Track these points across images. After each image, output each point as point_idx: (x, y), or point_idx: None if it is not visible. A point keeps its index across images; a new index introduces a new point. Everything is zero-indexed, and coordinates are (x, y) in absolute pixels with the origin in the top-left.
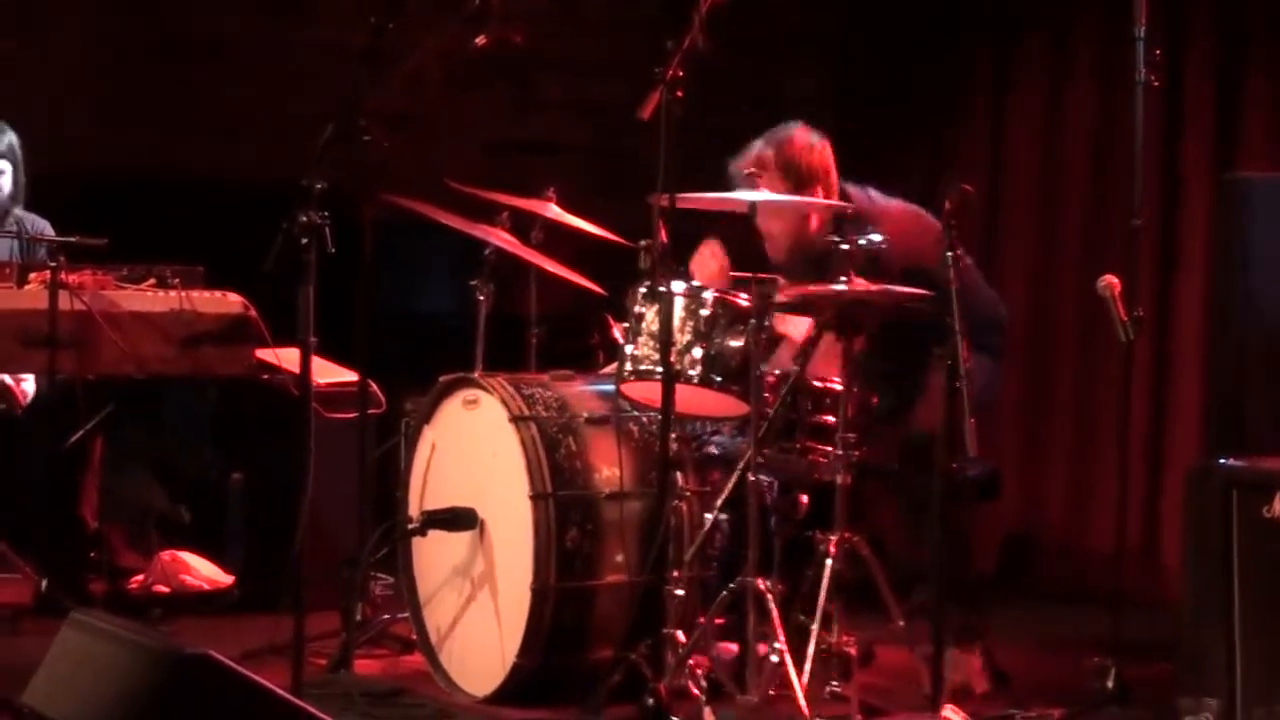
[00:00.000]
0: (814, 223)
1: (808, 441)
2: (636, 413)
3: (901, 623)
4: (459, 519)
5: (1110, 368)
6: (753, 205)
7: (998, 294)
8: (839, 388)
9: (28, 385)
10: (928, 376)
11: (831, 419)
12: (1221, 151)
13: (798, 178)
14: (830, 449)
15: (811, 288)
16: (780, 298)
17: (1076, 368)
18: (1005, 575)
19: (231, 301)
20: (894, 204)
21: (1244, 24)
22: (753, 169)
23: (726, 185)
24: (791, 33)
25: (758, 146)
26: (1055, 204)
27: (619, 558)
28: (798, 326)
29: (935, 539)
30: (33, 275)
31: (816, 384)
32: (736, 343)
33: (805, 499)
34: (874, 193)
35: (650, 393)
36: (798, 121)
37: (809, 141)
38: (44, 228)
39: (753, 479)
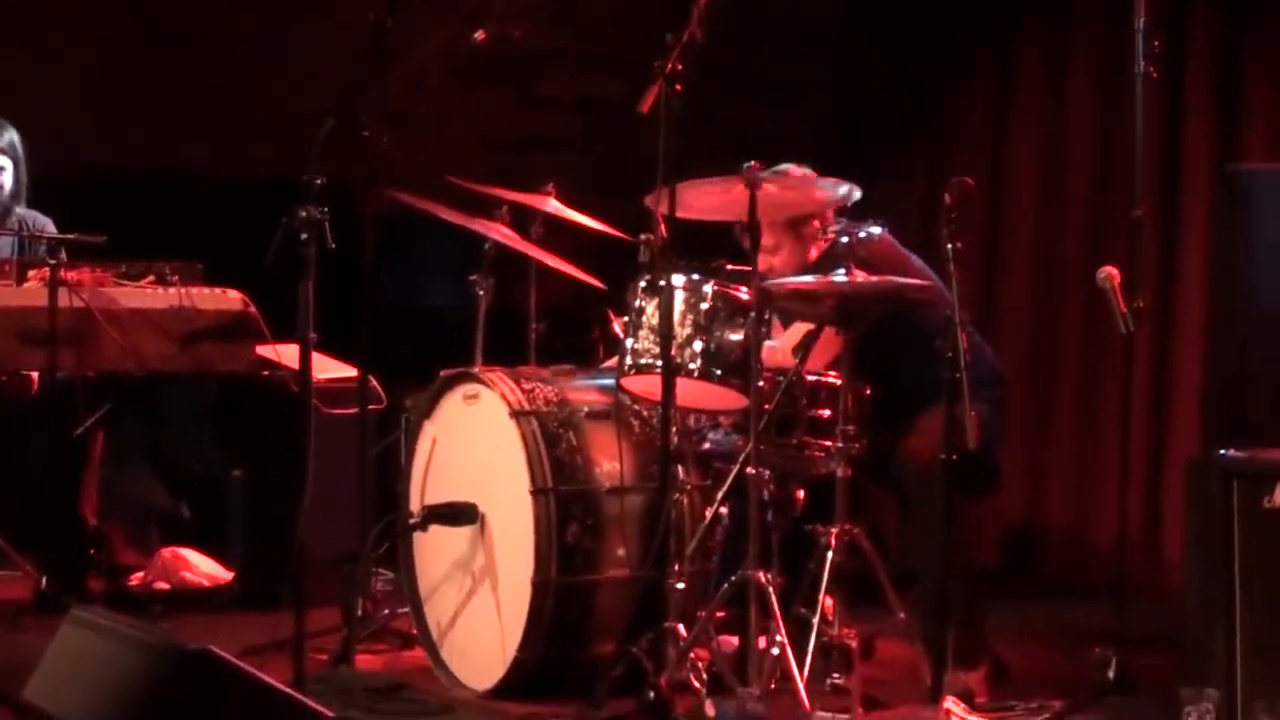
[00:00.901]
0: (813, 254)
1: (804, 436)
2: (637, 407)
3: (902, 615)
4: (460, 514)
5: (1112, 360)
6: (751, 218)
7: (991, 309)
8: (835, 382)
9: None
10: (920, 415)
11: (827, 413)
12: (1222, 142)
13: (796, 222)
14: (827, 443)
15: (812, 280)
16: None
17: (1078, 360)
18: (1008, 568)
19: (231, 298)
20: (913, 260)
21: (1244, 15)
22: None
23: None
24: (792, 27)
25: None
26: (1057, 196)
27: (620, 552)
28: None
29: (933, 535)
30: (31, 272)
31: (810, 379)
32: (736, 336)
33: (802, 494)
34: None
35: (651, 386)
36: (787, 164)
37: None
38: (45, 224)
39: (752, 472)
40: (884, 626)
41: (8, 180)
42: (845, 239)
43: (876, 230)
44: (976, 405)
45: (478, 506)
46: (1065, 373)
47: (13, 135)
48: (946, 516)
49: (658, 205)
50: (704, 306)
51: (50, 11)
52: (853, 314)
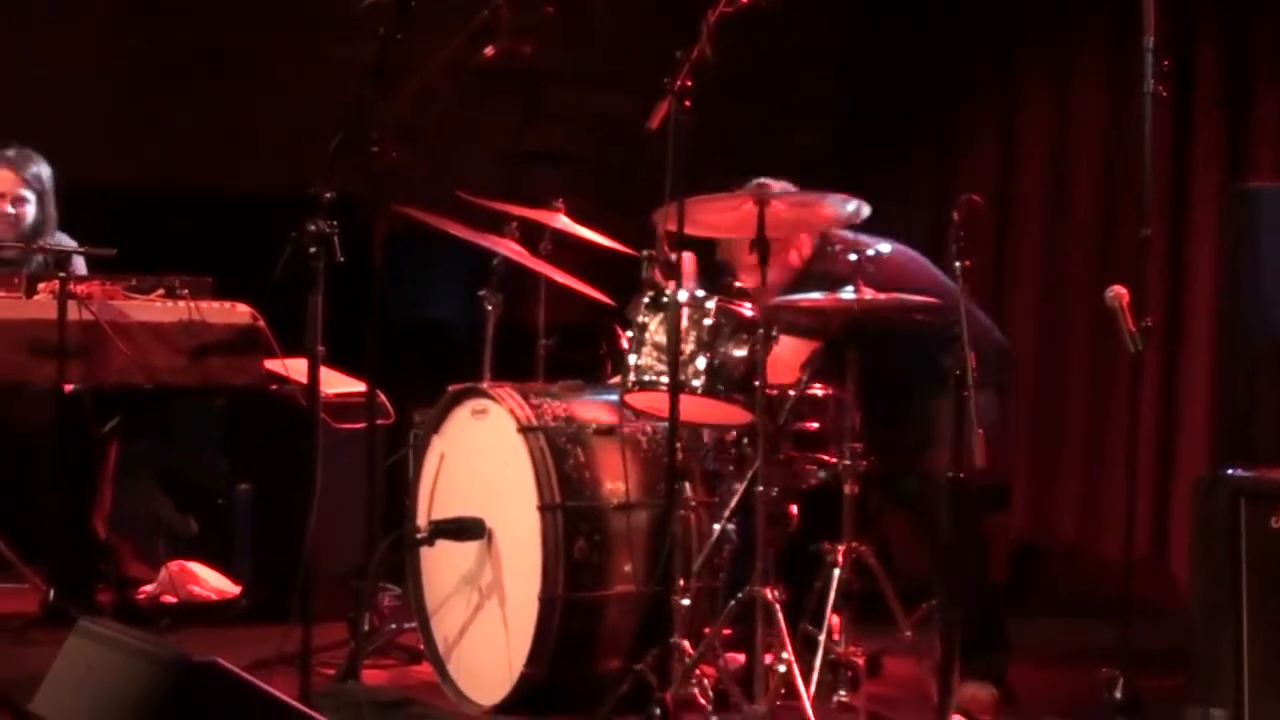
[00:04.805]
0: (794, 258)
1: (791, 451)
2: (642, 422)
3: (909, 633)
4: (466, 529)
5: (1120, 378)
6: (760, 233)
7: (1000, 327)
8: (819, 394)
9: None
10: (938, 423)
11: (815, 425)
12: (1231, 161)
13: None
14: (819, 456)
15: (821, 298)
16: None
17: (1086, 378)
18: (1015, 586)
19: (240, 312)
20: (932, 276)
21: (1252, 34)
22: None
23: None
24: (799, 45)
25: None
26: (1065, 215)
27: (626, 568)
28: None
29: (943, 551)
30: (41, 285)
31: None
32: (740, 352)
33: (795, 508)
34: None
35: (655, 402)
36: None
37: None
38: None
39: (760, 490)
40: (891, 644)
41: (31, 211)
42: (854, 256)
43: (886, 248)
44: (986, 393)
45: (485, 522)
46: (1073, 391)
47: (39, 169)
48: (963, 533)
49: (664, 221)
50: (707, 323)
51: (59, 27)
52: (860, 331)
